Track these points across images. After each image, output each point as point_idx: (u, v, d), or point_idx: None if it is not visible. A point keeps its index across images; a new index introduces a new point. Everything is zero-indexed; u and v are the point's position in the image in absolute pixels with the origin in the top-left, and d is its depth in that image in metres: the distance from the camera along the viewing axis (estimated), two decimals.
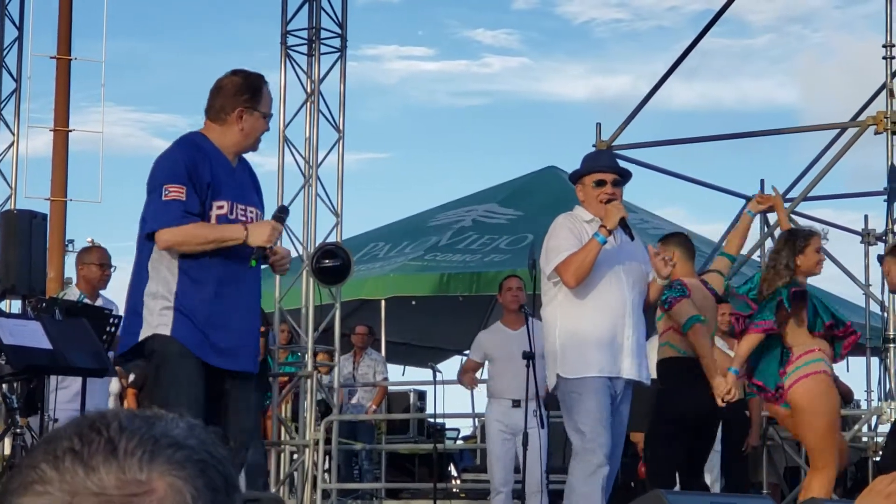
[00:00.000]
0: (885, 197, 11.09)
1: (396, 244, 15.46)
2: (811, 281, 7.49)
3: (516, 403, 8.62)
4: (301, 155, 11.69)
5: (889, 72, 11.28)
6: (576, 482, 6.46)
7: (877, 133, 10.92)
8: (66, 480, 1.16)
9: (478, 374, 9.65)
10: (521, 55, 37.82)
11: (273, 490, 10.84)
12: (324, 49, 11.86)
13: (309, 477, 11.29)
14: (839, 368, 10.41)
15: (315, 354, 11.53)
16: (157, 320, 5.66)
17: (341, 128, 11.90)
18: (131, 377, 10.44)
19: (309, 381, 11.40)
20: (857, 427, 11.44)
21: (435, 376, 11.68)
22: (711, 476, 9.81)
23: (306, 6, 11.85)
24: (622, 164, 7.33)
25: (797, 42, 36.05)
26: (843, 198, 13.17)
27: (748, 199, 12.55)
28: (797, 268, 7.20)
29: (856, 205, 26.68)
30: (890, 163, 10.91)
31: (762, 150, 34.75)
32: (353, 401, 13.44)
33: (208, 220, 5.66)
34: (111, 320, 8.14)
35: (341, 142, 11.88)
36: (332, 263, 11.26)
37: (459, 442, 14.91)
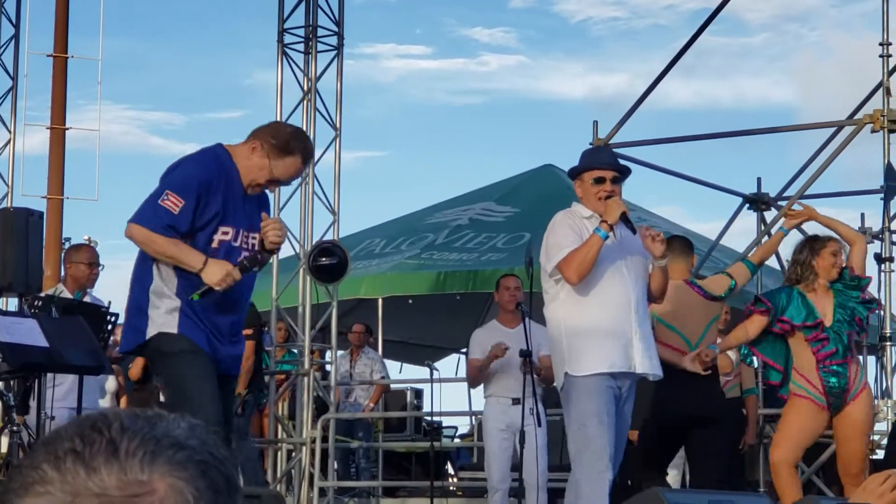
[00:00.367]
0: (882, 195, 11.09)
1: (392, 241, 15.46)
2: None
3: (515, 401, 8.59)
4: None
5: (886, 70, 11.27)
6: (581, 483, 6.38)
7: (873, 131, 10.90)
8: (67, 481, 1.16)
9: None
10: (519, 53, 37.77)
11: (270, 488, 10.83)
12: (320, 47, 11.86)
13: (306, 475, 11.29)
14: None
15: (312, 353, 11.54)
16: (164, 319, 5.70)
17: (338, 126, 11.89)
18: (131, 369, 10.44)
19: (306, 379, 11.40)
20: None
21: (432, 374, 11.66)
22: (676, 472, 10.01)
23: (303, 4, 11.84)
24: (620, 161, 7.28)
25: (794, 40, 36.06)
26: (839, 196, 13.13)
27: (747, 197, 12.61)
28: (813, 269, 7.70)
29: (852, 203, 26.70)
30: (886, 161, 10.89)
31: (759, 148, 34.80)
32: (351, 399, 13.45)
33: (211, 241, 5.71)
34: (109, 318, 8.14)
35: (338, 140, 11.88)
36: (328, 261, 11.25)
37: (456, 440, 14.89)
